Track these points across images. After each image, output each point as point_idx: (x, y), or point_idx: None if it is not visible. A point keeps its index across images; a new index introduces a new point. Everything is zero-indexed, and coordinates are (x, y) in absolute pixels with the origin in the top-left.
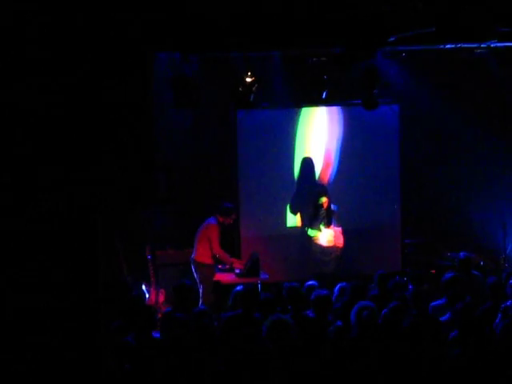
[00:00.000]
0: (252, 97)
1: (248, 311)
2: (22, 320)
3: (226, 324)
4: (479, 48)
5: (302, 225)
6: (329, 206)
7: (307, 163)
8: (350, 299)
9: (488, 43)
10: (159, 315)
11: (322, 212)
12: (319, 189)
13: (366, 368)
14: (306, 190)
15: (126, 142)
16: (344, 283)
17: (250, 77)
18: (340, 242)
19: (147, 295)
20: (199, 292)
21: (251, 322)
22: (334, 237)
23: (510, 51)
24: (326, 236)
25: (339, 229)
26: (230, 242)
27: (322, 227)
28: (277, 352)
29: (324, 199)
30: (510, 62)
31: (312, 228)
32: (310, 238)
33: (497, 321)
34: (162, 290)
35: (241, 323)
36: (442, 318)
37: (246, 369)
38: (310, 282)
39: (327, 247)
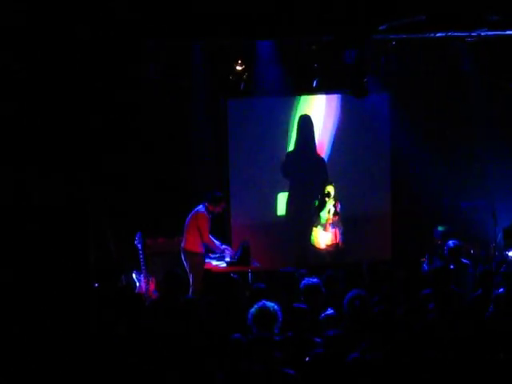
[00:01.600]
0: (242, 85)
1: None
2: (13, 310)
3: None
4: (469, 36)
5: (291, 196)
6: (335, 194)
7: (305, 121)
8: (341, 288)
9: (478, 32)
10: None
11: (329, 201)
12: (322, 176)
13: (359, 357)
14: (303, 156)
15: (116, 131)
16: (331, 271)
17: (241, 65)
18: (338, 242)
19: (137, 283)
20: (189, 281)
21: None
22: (333, 238)
23: (500, 40)
24: (325, 239)
25: (337, 229)
26: (221, 230)
27: (329, 215)
28: (263, 339)
29: (330, 188)
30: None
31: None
32: (308, 235)
33: (490, 309)
34: (153, 279)
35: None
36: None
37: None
38: (301, 270)
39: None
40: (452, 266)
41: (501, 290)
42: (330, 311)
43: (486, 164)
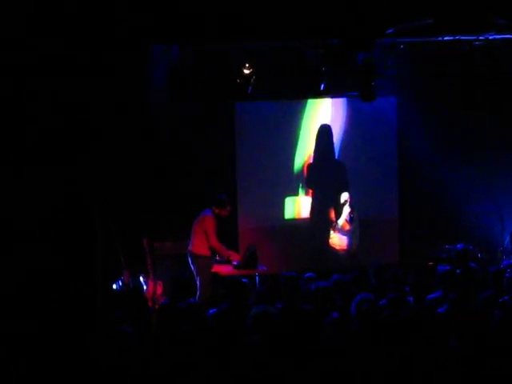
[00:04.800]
0: (250, 89)
1: (236, 304)
2: (20, 308)
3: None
4: (477, 40)
5: (313, 205)
6: (351, 202)
7: (324, 131)
8: (349, 291)
9: (486, 35)
10: (156, 306)
11: (345, 208)
12: (338, 184)
13: (365, 361)
14: (324, 165)
15: (124, 135)
16: (337, 275)
17: (248, 69)
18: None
19: (145, 287)
20: (196, 284)
21: (239, 315)
22: (347, 244)
23: (508, 43)
24: (339, 243)
25: (352, 237)
26: (228, 233)
27: (345, 223)
28: (261, 343)
29: (345, 195)
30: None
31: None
32: (323, 239)
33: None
34: (160, 282)
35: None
36: (439, 310)
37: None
38: (309, 274)
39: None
40: (459, 270)
41: (506, 297)
42: (334, 315)
43: (495, 168)
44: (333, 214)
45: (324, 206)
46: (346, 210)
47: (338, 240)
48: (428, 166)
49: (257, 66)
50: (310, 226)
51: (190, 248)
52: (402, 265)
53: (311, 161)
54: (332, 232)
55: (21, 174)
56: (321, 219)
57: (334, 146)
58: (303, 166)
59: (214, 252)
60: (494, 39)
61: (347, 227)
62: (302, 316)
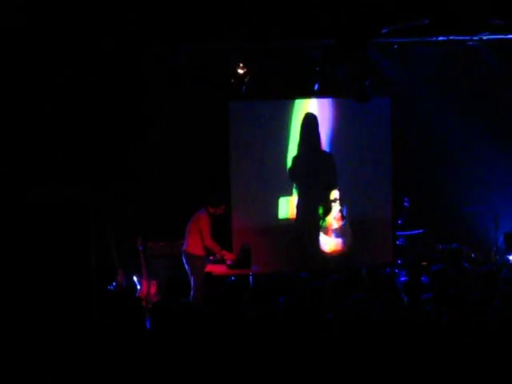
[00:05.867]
0: (244, 88)
1: (235, 302)
2: (16, 309)
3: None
4: (471, 40)
5: (299, 203)
6: (341, 200)
7: (309, 119)
8: (343, 291)
9: (480, 36)
10: (150, 306)
11: (334, 206)
12: (327, 181)
13: (360, 361)
14: (309, 156)
15: (118, 135)
16: (334, 276)
17: (242, 68)
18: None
19: (138, 287)
20: (190, 283)
21: (238, 313)
22: (339, 244)
23: (502, 44)
24: (331, 244)
25: (344, 237)
26: (222, 233)
27: (335, 221)
28: (264, 342)
29: (335, 193)
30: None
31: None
32: (314, 240)
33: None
34: (154, 282)
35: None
36: (427, 307)
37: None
38: (303, 274)
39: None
40: (452, 270)
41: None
42: (329, 316)
43: (488, 168)
44: (321, 212)
45: (311, 203)
46: (336, 208)
47: (328, 241)
48: (422, 166)
49: (251, 66)
50: (297, 226)
51: (184, 248)
52: (395, 265)
53: (295, 152)
54: (322, 232)
55: (18, 175)
56: (307, 218)
57: (319, 136)
58: None
59: (208, 252)
60: (489, 39)
61: (336, 226)
62: (301, 314)
